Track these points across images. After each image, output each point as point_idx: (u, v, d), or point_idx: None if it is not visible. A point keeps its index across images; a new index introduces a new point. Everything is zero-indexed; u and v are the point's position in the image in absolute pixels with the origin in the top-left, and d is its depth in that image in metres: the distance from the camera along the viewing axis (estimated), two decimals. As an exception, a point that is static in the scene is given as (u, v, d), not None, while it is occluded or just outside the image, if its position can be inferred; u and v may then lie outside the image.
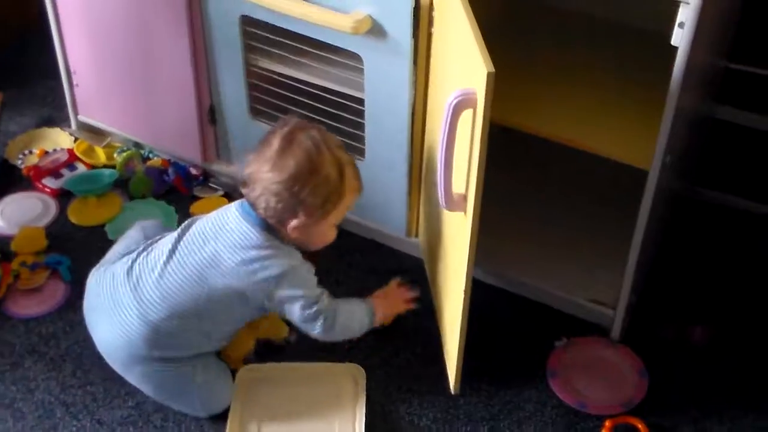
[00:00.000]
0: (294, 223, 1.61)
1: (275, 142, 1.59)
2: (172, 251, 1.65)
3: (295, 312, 1.66)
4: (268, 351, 1.85)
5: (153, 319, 1.63)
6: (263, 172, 1.59)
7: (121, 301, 1.65)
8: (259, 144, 1.63)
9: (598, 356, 1.86)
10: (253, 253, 1.61)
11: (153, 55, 2.07)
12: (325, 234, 1.68)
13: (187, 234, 1.67)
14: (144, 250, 1.70)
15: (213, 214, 1.69)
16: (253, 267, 1.61)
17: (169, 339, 1.65)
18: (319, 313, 1.66)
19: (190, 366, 1.68)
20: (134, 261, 1.68)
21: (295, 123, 1.62)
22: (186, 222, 1.71)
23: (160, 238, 1.72)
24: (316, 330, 1.69)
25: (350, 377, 1.78)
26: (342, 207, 1.65)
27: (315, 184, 1.58)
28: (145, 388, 1.73)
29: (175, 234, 1.69)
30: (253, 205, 1.62)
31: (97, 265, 1.78)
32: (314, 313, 1.66)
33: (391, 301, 1.82)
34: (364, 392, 1.75)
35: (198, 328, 1.65)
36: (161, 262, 1.65)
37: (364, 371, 1.79)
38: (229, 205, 1.68)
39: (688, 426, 1.76)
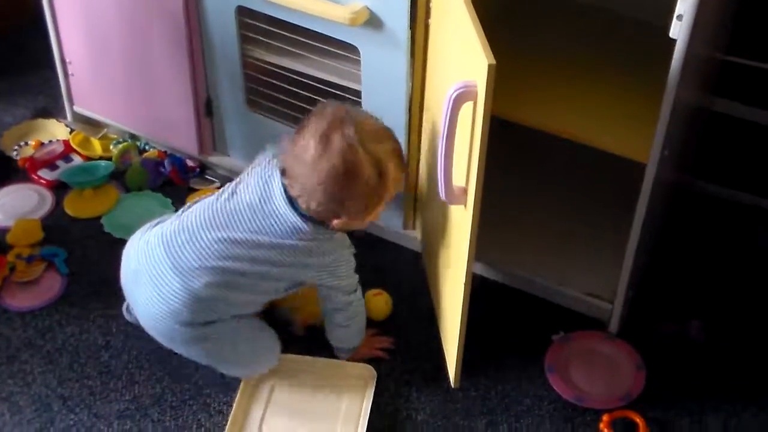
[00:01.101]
0: (336, 222, 1.61)
1: (311, 144, 1.54)
2: (213, 222, 1.62)
3: (333, 297, 1.71)
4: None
5: (194, 286, 1.61)
6: (302, 176, 1.56)
7: (161, 270, 1.64)
8: (296, 134, 1.57)
9: (595, 350, 1.86)
10: (303, 243, 1.61)
11: (149, 46, 2.06)
12: (367, 222, 1.68)
13: (230, 205, 1.63)
14: (177, 218, 1.67)
15: (255, 185, 1.62)
16: (303, 254, 1.62)
17: (211, 305, 1.64)
18: (350, 304, 1.72)
19: (233, 327, 1.67)
20: (168, 229, 1.66)
21: (331, 117, 1.56)
22: (223, 189, 1.67)
23: (192, 205, 1.68)
24: (339, 316, 1.74)
25: (361, 377, 1.78)
26: (386, 201, 1.63)
27: (356, 191, 1.56)
28: (191, 354, 1.72)
29: (210, 202, 1.65)
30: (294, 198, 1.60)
31: (134, 234, 1.74)
32: (347, 302, 1.72)
33: (364, 342, 1.83)
34: (372, 392, 1.75)
35: (238, 298, 1.65)
36: (203, 231, 1.62)
37: (375, 373, 1.78)
38: (272, 178, 1.61)
39: (685, 420, 1.76)
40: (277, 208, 1.61)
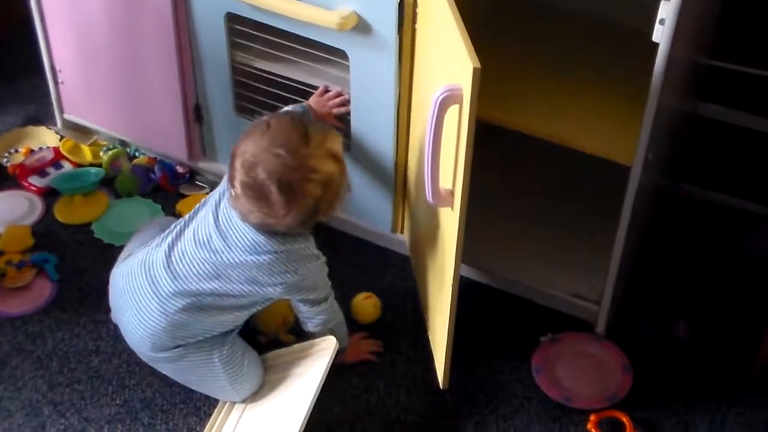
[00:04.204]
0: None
1: (272, 191, 1.52)
2: (186, 245, 1.65)
3: (301, 308, 1.72)
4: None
5: (171, 311, 1.63)
6: (279, 217, 1.55)
7: (141, 297, 1.66)
8: (251, 187, 1.54)
9: (583, 351, 1.88)
10: (267, 258, 1.61)
11: (139, 53, 2.07)
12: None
13: (193, 229, 1.65)
14: (158, 245, 1.69)
15: (212, 211, 1.65)
16: (268, 271, 1.61)
17: (188, 329, 1.65)
18: (320, 313, 1.72)
19: (215, 350, 1.68)
20: (148, 255, 1.69)
21: (272, 159, 1.53)
22: (189, 214, 1.69)
23: (170, 231, 1.70)
24: (312, 323, 1.74)
25: (321, 350, 1.74)
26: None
27: (334, 194, 1.58)
28: (175, 376, 1.74)
29: (178, 228, 1.68)
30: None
31: (116, 264, 1.78)
32: (316, 312, 1.72)
33: (353, 347, 1.84)
34: (330, 357, 1.68)
35: (214, 319, 1.66)
36: (178, 256, 1.64)
37: (336, 341, 1.72)
38: (228, 207, 1.63)
39: (671, 420, 1.77)
40: (237, 227, 1.61)
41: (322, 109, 1.88)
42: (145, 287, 1.66)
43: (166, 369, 1.73)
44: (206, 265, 1.62)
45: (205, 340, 1.68)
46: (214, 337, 1.68)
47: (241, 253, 1.61)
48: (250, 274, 1.62)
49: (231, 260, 1.61)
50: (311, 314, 1.72)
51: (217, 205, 1.65)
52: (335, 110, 1.89)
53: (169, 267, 1.65)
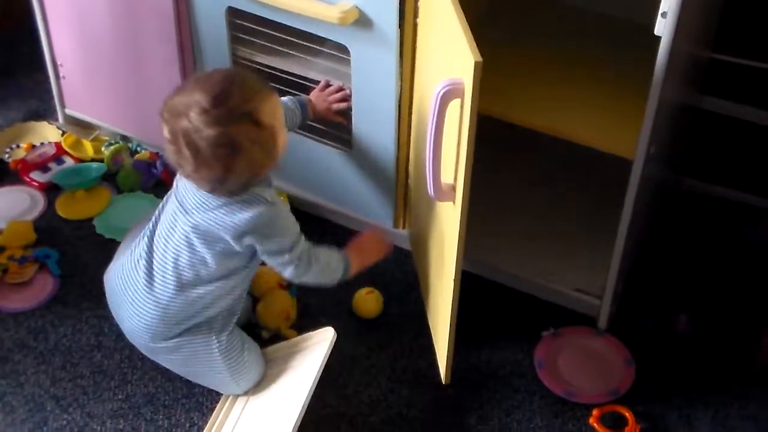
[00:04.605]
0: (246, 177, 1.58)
1: (183, 149, 1.52)
2: (163, 228, 1.66)
3: (267, 260, 1.66)
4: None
5: (161, 297, 1.64)
6: (196, 174, 1.54)
7: (134, 287, 1.67)
8: (169, 141, 1.55)
9: (585, 346, 1.88)
10: (218, 212, 1.58)
11: (140, 47, 2.07)
12: (280, 147, 1.60)
13: (166, 210, 1.67)
14: (144, 235, 1.70)
15: (174, 186, 1.66)
16: (222, 225, 1.59)
17: (182, 311, 1.65)
18: (288, 264, 1.65)
19: (214, 338, 1.68)
20: (136, 246, 1.70)
21: (183, 117, 1.52)
22: (164, 199, 1.71)
23: (151, 220, 1.70)
24: (286, 274, 1.68)
25: (320, 342, 1.73)
26: (280, 133, 1.59)
27: (252, 157, 1.53)
28: (175, 368, 1.74)
29: (156, 213, 1.70)
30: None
31: (111, 263, 1.78)
32: (283, 262, 1.65)
33: (366, 251, 1.80)
34: (328, 347, 1.68)
35: (203, 295, 1.65)
36: (159, 238, 1.66)
37: (334, 332, 1.70)
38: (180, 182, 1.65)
39: (673, 414, 1.77)
40: (189, 195, 1.61)
41: (322, 104, 1.88)
42: (135, 277, 1.67)
43: (166, 361, 1.73)
44: (176, 236, 1.63)
45: (205, 324, 1.67)
46: (213, 324, 1.68)
47: (197, 212, 1.60)
48: (215, 233, 1.60)
49: (192, 223, 1.61)
50: (279, 268, 1.67)
51: (178, 179, 1.66)
52: (336, 105, 1.89)
53: (150, 251, 1.66)
